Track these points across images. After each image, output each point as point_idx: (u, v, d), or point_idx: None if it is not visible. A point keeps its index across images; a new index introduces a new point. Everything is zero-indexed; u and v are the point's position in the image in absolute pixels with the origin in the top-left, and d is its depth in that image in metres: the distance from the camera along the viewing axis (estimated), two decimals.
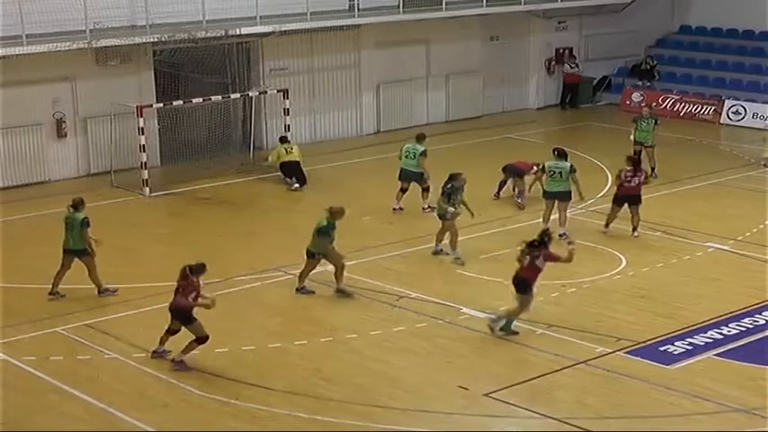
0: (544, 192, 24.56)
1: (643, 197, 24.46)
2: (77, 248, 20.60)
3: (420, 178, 26.22)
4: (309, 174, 29.46)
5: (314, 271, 21.14)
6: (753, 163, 31.60)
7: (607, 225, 24.48)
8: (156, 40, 29.81)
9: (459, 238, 22.75)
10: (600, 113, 39.94)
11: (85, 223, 20.54)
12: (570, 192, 24.29)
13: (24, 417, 15.97)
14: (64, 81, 29.69)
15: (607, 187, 28.28)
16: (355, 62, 35.47)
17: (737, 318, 19.50)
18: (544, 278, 21.61)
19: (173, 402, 16.38)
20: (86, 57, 29.24)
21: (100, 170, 30.14)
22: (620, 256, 22.94)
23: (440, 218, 22.76)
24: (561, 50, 41.06)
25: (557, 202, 24.25)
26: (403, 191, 26.44)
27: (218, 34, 30.56)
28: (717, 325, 19.18)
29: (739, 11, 41.00)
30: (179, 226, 26.32)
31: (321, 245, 20.58)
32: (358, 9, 33.95)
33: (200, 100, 30.06)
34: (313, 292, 20.78)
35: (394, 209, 26.21)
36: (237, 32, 31.10)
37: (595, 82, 41.88)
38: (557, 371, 17.44)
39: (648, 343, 18.43)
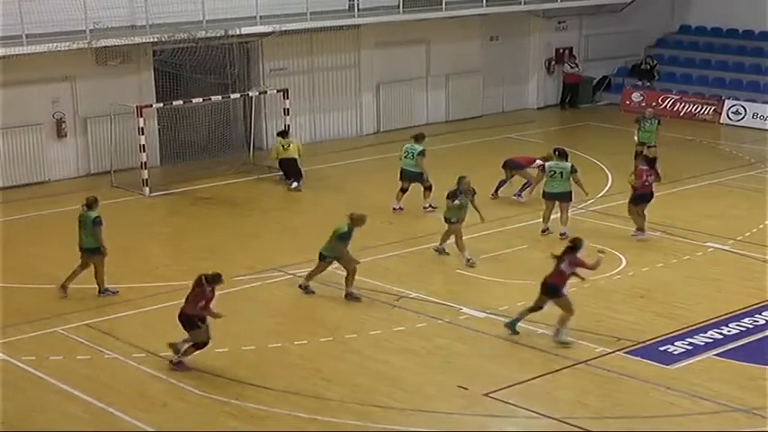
0: (544, 192, 24.51)
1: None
2: (89, 247, 20.64)
3: (419, 178, 26.22)
4: (309, 174, 29.46)
5: (328, 268, 21.20)
6: (753, 163, 31.61)
7: (641, 229, 24.25)
8: (155, 40, 29.82)
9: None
10: (600, 113, 39.95)
11: (98, 222, 20.57)
12: (571, 192, 24.28)
13: (24, 416, 15.98)
14: (64, 81, 29.69)
15: (607, 187, 28.31)
16: (355, 62, 35.47)
17: (737, 318, 19.50)
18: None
19: (172, 402, 16.38)
20: (86, 57, 29.24)
21: (100, 170, 30.14)
22: (620, 256, 22.92)
23: (445, 221, 22.68)
24: (561, 50, 41.07)
25: (558, 202, 24.23)
26: (403, 191, 26.43)
27: (218, 34, 30.55)
28: (717, 325, 19.18)
29: (739, 11, 41.01)
30: (179, 226, 26.31)
31: (336, 249, 20.44)
32: (358, 9, 33.95)
33: (200, 100, 30.06)
34: (313, 293, 20.77)
35: (394, 209, 26.20)
36: (237, 32, 31.11)
37: (595, 82, 41.89)
38: (556, 371, 17.44)
39: (648, 343, 18.43)
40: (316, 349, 18.31)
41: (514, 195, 27.04)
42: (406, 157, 26.38)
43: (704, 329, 18.96)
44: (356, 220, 20.61)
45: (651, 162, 24.83)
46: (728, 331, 18.91)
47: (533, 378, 17.21)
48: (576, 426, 15.60)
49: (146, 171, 28.22)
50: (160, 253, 24.01)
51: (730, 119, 37.78)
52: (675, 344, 18.36)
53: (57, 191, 28.80)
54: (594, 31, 41.67)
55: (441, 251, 23.00)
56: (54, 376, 17.19)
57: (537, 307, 18.56)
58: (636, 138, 29.44)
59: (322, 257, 20.64)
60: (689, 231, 24.44)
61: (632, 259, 22.78)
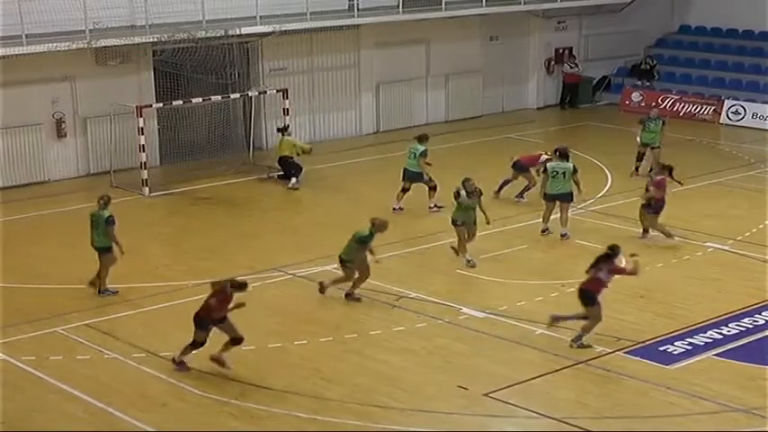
0: (545, 193, 24.43)
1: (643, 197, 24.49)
2: (100, 246, 20.70)
3: (420, 178, 26.22)
4: (309, 174, 29.51)
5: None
6: (753, 163, 31.62)
7: (645, 232, 24.15)
8: (155, 40, 29.81)
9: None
10: (599, 113, 39.96)
11: (110, 221, 20.63)
12: (572, 193, 24.26)
13: (24, 416, 15.98)
14: (63, 81, 29.69)
15: (607, 187, 28.31)
16: (355, 62, 35.47)
17: (737, 318, 19.50)
18: (545, 278, 21.74)
19: (172, 402, 16.38)
20: (86, 57, 29.24)
21: (99, 170, 30.14)
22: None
23: (452, 222, 22.62)
24: (561, 50, 41.08)
25: (558, 203, 24.20)
26: (404, 191, 26.42)
27: (218, 34, 30.55)
28: (716, 325, 19.18)
29: (739, 11, 41.02)
30: (179, 226, 26.31)
31: (354, 253, 20.29)
32: (357, 9, 33.96)
33: (200, 100, 30.06)
34: (322, 294, 20.65)
35: (393, 209, 26.16)
36: (237, 32, 31.10)
37: (595, 82, 41.90)
38: (556, 371, 17.44)
39: (648, 343, 18.43)
40: (316, 349, 18.31)
41: (516, 197, 27.00)
42: (408, 157, 26.40)
43: (704, 329, 18.97)
44: (378, 226, 20.42)
45: (670, 171, 24.48)
46: (728, 331, 18.92)
47: (533, 378, 17.21)
48: (575, 426, 15.60)
49: (145, 171, 28.22)
50: (160, 253, 24.01)
51: (730, 119, 37.79)
52: (675, 344, 18.36)
53: (56, 191, 28.81)
54: (594, 31, 41.67)
55: (469, 261, 22.48)
56: (54, 376, 17.19)
57: (583, 316, 18.30)
58: (638, 138, 29.41)
59: (342, 261, 20.46)
60: (689, 231, 24.44)
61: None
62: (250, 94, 31.73)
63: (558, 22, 40.76)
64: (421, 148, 26.26)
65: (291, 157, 29.14)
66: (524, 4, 38.01)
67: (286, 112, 30.87)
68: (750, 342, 18.54)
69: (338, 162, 32.04)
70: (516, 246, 23.66)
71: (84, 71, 29.74)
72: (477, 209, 22.59)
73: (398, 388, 16.83)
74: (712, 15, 42.39)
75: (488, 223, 22.84)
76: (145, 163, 28.34)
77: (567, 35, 41.20)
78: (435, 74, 37.55)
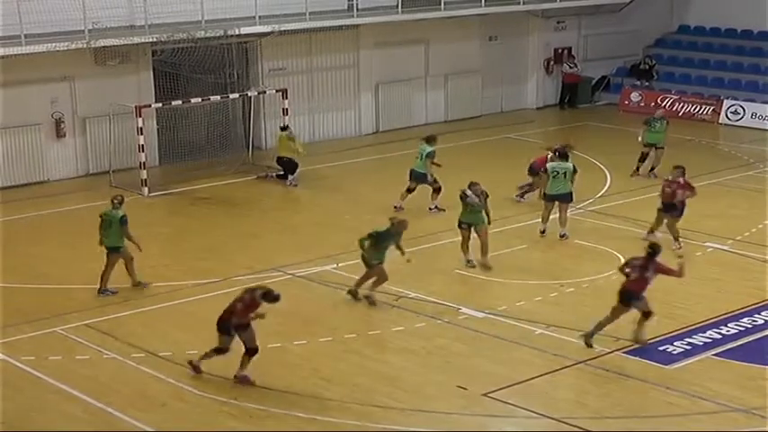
0: (544, 194, 24.40)
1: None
2: (112, 245, 20.74)
3: (424, 179, 26.18)
4: (308, 173, 29.54)
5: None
6: (752, 163, 31.62)
7: (651, 232, 23.66)
8: (154, 40, 29.81)
9: (459, 239, 22.70)
10: (599, 113, 39.97)
11: (124, 221, 20.68)
12: (571, 193, 24.23)
13: (23, 416, 15.97)
14: (63, 81, 29.69)
15: (606, 187, 28.29)
16: (354, 62, 35.47)
17: (736, 318, 19.51)
18: (544, 278, 21.74)
19: (171, 402, 16.38)
20: (85, 57, 29.24)
21: (99, 170, 30.14)
22: (619, 255, 22.89)
23: (458, 226, 22.53)
24: (560, 50, 41.09)
25: (557, 203, 24.17)
26: (408, 190, 26.35)
27: (217, 34, 30.54)
28: (716, 325, 19.19)
29: (738, 11, 41.03)
30: (178, 226, 26.31)
31: (377, 255, 20.08)
32: (357, 9, 33.96)
33: (199, 100, 30.07)
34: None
35: (395, 207, 26.08)
36: (236, 32, 31.09)
37: (594, 82, 41.91)
38: (556, 371, 17.44)
39: (648, 343, 18.41)
40: (315, 349, 18.31)
41: (516, 196, 26.94)
42: (417, 158, 26.37)
43: (703, 329, 18.97)
44: (397, 225, 20.26)
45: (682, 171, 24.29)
46: (727, 331, 18.93)
47: (532, 378, 17.21)
48: (575, 425, 15.60)
49: (145, 171, 28.22)
50: (159, 253, 23.98)
51: (729, 119, 37.80)
52: (674, 344, 18.36)
53: (56, 191, 28.82)
54: (593, 31, 41.68)
55: (482, 265, 22.24)
56: (53, 376, 17.18)
57: (613, 319, 18.14)
58: (640, 138, 29.34)
59: (369, 265, 20.23)
60: (688, 231, 24.36)
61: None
62: (249, 94, 31.73)
63: (558, 22, 40.77)
64: (428, 149, 26.22)
65: (289, 158, 29.17)
66: (523, 4, 38.01)
67: (285, 111, 30.87)
68: (749, 342, 18.55)
69: (337, 162, 32.04)
70: (515, 246, 23.65)
71: (84, 71, 29.74)
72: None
73: (398, 388, 16.83)
74: (711, 15, 42.41)
75: (489, 223, 22.74)
76: (144, 163, 28.35)
77: (566, 35, 41.21)
78: (434, 74, 37.55)
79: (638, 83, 40.97)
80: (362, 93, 35.79)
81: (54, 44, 27.83)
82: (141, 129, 28.18)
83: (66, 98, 29.91)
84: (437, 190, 26.22)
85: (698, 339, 18.55)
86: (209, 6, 30.56)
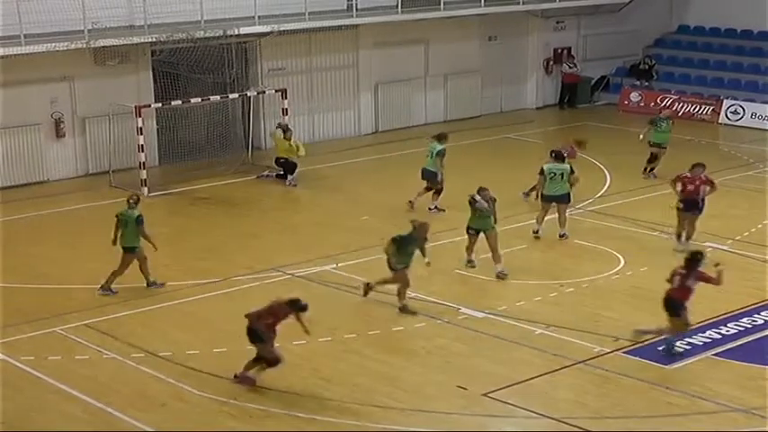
0: (542, 195, 24.36)
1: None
2: (127, 245, 20.77)
3: (435, 177, 26.15)
4: (307, 173, 29.57)
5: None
6: (752, 163, 31.62)
7: (679, 237, 23.46)
8: (154, 40, 29.82)
9: (459, 239, 22.70)
10: (598, 113, 39.97)
11: (140, 220, 20.69)
12: (569, 194, 24.22)
13: (23, 416, 15.96)
14: (62, 81, 29.69)
15: (606, 187, 28.28)
16: (353, 62, 35.47)
17: (736, 318, 19.51)
18: (543, 278, 21.74)
19: (171, 402, 16.37)
20: (85, 57, 29.23)
21: (98, 170, 30.14)
22: (619, 255, 22.94)
23: (466, 231, 22.42)
24: (559, 50, 41.10)
25: (556, 204, 24.14)
26: (428, 189, 26.31)
27: (217, 34, 30.55)
28: (715, 325, 19.18)
29: (738, 11, 41.03)
30: (178, 226, 26.28)
31: (397, 256, 19.86)
32: (356, 9, 33.97)
33: (199, 100, 30.07)
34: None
35: (429, 208, 26.00)
36: (236, 32, 31.10)
37: (594, 82, 41.92)
38: (555, 371, 17.44)
39: (647, 343, 18.40)
40: (315, 349, 18.29)
41: (524, 194, 26.81)
42: (427, 156, 26.34)
43: (703, 329, 18.94)
44: (418, 229, 20.02)
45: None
46: (727, 331, 18.93)
47: (532, 378, 17.21)
48: (574, 425, 15.60)
49: (144, 171, 28.22)
50: (159, 253, 23.90)
51: (729, 119, 37.81)
52: (674, 344, 18.32)
53: (55, 191, 28.82)
54: (593, 31, 41.69)
55: (498, 274, 21.88)
56: (53, 376, 17.18)
57: (688, 324, 17.94)
58: (642, 137, 29.25)
59: (390, 266, 19.99)
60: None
61: (630, 259, 22.78)
62: (249, 94, 31.73)
63: (557, 22, 40.78)
64: (439, 147, 26.20)
65: (286, 158, 29.21)
66: (523, 4, 38.03)
67: (285, 111, 30.87)
68: (749, 342, 18.54)
69: (337, 162, 32.04)
70: (515, 246, 23.63)
71: (83, 71, 29.74)
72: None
73: (398, 388, 16.83)
74: (711, 15, 42.41)
75: (495, 223, 22.55)
76: (144, 163, 28.35)
77: (565, 35, 41.22)
78: (434, 74, 37.56)
79: (638, 83, 40.97)
80: (362, 93, 35.79)
81: (53, 44, 27.83)
82: (141, 129, 28.18)
83: (66, 98, 29.91)
84: (438, 191, 26.21)
85: (697, 339, 18.54)
86: (209, 6, 30.56)
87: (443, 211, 25.80)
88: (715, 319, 19.39)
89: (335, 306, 20.37)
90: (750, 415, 15.89)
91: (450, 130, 35.32)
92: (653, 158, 29.41)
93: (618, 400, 16.49)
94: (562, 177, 23.98)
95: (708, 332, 18.83)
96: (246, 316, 16.83)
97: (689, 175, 23.49)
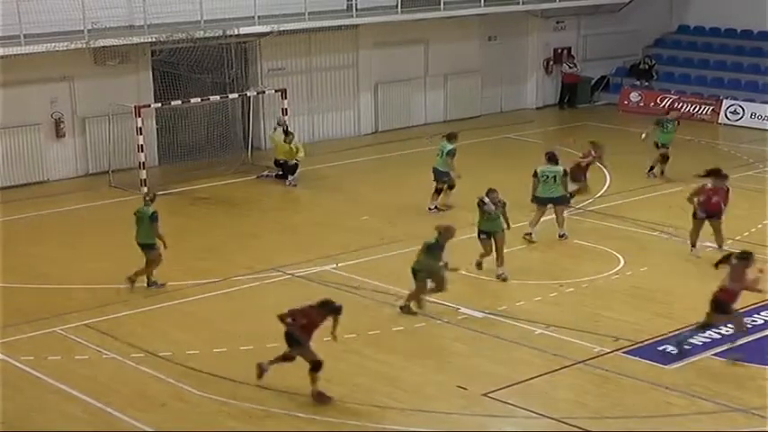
0: (536, 197, 24.11)
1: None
2: (144, 242, 20.89)
3: (445, 177, 26.12)
4: (307, 173, 29.61)
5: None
6: (752, 162, 31.61)
7: (694, 245, 23.14)
8: (154, 40, 29.83)
9: (457, 240, 22.62)
10: (598, 113, 39.96)
11: (154, 218, 20.79)
12: (565, 195, 24.15)
13: (23, 416, 15.96)
14: (62, 81, 29.70)
15: (605, 187, 28.26)
16: (353, 62, 35.47)
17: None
18: (543, 278, 21.74)
19: (171, 402, 16.37)
20: (84, 57, 29.24)
21: (98, 170, 30.14)
22: (618, 255, 22.94)
23: (477, 236, 22.29)
24: (559, 50, 41.09)
25: (552, 206, 24.03)
26: (437, 191, 26.27)
27: (216, 34, 30.56)
28: (715, 324, 19.12)
29: (737, 11, 41.02)
30: (177, 226, 26.20)
31: (426, 263, 19.67)
32: (356, 9, 33.98)
33: (199, 100, 30.08)
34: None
35: (429, 208, 26.05)
36: (235, 32, 31.11)
37: (594, 82, 41.91)
38: (555, 371, 17.44)
39: (647, 343, 18.43)
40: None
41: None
42: (437, 155, 26.31)
43: (702, 329, 18.91)
44: (444, 232, 19.80)
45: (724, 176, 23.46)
46: (726, 331, 18.88)
47: (532, 378, 17.21)
48: (574, 425, 15.60)
49: (144, 171, 28.25)
50: None
51: (728, 119, 37.81)
52: (688, 339, 18.29)
53: (55, 191, 28.82)
54: (593, 30, 41.68)
55: (498, 276, 21.74)
56: (52, 376, 17.18)
57: (707, 324, 17.90)
58: (644, 136, 29.15)
59: (414, 273, 19.78)
60: (687, 231, 24.36)
61: (630, 259, 22.78)
62: (248, 94, 31.74)
63: (557, 22, 40.78)
64: (449, 146, 26.18)
65: (285, 160, 29.23)
66: (523, 4, 38.03)
67: (285, 112, 30.87)
68: (749, 342, 18.51)
69: (337, 162, 32.04)
70: (515, 246, 23.61)
71: (83, 71, 29.74)
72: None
73: (398, 388, 16.83)
74: (711, 15, 42.40)
75: (508, 228, 22.39)
76: (143, 163, 28.37)
77: (565, 35, 41.22)
78: (434, 74, 37.55)
79: (638, 83, 40.97)
80: (362, 93, 35.79)
81: (53, 44, 27.86)
82: (140, 129, 28.20)
83: (66, 98, 29.92)
84: (439, 191, 26.19)
85: (697, 339, 18.51)
86: (209, 6, 30.57)
87: (443, 210, 25.80)
88: None
89: None
90: (750, 415, 15.89)
91: (449, 130, 35.55)
92: (664, 159, 29.27)
93: (618, 399, 16.49)
94: (555, 180, 23.86)
95: (707, 332, 18.79)
96: (279, 317, 16.58)
97: (711, 185, 22.96)
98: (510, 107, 39.99)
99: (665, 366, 17.55)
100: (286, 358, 16.64)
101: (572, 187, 25.48)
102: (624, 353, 18.05)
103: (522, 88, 40.58)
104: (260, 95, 32.19)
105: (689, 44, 42.85)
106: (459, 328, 19.25)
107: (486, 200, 21.53)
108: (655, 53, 42.49)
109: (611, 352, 18.06)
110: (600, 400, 16.45)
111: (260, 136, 33.18)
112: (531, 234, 23.94)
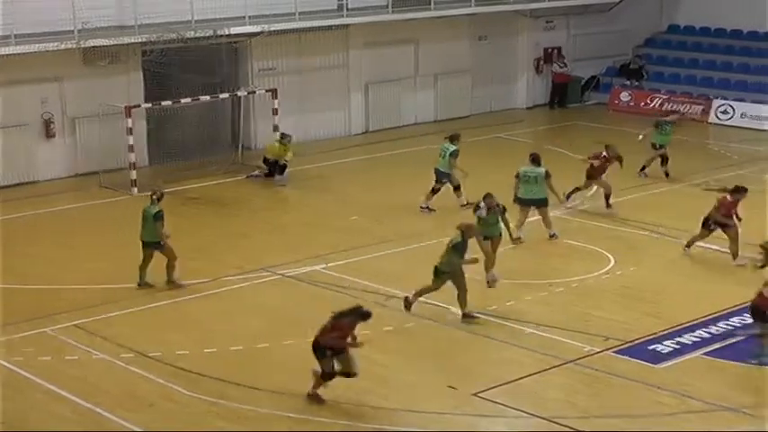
0: (517, 198, 23.99)
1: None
2: (151, 241, 20.90)
3: (446, 178, 26.09)
4: (297, 173, 29.65)
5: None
6: (741, 162, 31.65)
7: (689, 245, 23.16)
8: (144, 40, 29.77)
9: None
10: (588, 113, 39.99)
11: (159, 217, 20.75)
12: (546, 198, 24.04)
13: (12, 417, 15.90)
14: (52, 81, 29.62)
15: (595, 186, 28.24)
16: (344, 62, 35.46)
17: (725, 317, 19.50)
18: (534, 278, 21.75)
19: (160, 402, 16.35)
20: (75, 57, 29.18)
21: (88, 170, 30.05)
22: (609, 255, 22.96)
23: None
24: (550, 50, 41.11)
25: (534, 209, 24.01)
26: (434, 191, 26.19)
27: (207, 34, 30.53)
28: (705, 324, 19.19)
29: (727, 11, 41.09)
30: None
31: (451, 263, 19.39)
32: (346, 9, 33.97)
33: (189, 100, 30.01)
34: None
35: (421, 207, 26.07)
36: (226, 32, 31.08)
37: (584, 81, 41.93)
38: (545, 370, 17.45)
39: (637, 342, 18.45)
40: (305, 349, 18.20)
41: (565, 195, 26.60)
42: (440, 156, 26.27)
43: (692, 328, 18.97)
44: (466, 230, 19.52)
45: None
46: (717, 330, 18.94)
47: (522, 378, 17.21)
48: (564, 425, 15.61)
49: (134, 171, 28.19)
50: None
51: (718, 118, 37.87)
52: (664, 343, 18.38)
53: (45, 191, 28.74)
54: (583, 30, 41.71)
55: (487, 281, 21.36)
56: (42, 377, 17.14)
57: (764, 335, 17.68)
58: (641, 137, 29.17)
59: (438, 273, 19.50)
60: (678, 231, 24.42)
61: (621, 259, 22.81)
62: (239, 94, 31.70)
63: (547, 22, 40.79)
64: (452, 147, 26.13)
65: (275, 160, 29.23)
66: (512, 3, 38.05)
67: (275, 112, 30.85)
68: (738, 341, 18.54)
69: (327, 162, 32.01)
70: (505, 246, 23.60)
71: (73, 71, 29.67)
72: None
73: (388, 388, 16.83)
74: (701, 15, 42.47)
75: (510, 237, 22.18)
76: (134, 163, 28.33)
77: (555, 35, 41.23)
78: (424, 74, 37.55)
79: (628, 82, 41.02)
80: (352, 93, 35.78)
81: (43, 44, 27.81)
82: (131, 129, 28.13)
83: (56, 98, 29.85)
84: (434, 191, 26.15)
85: (687, 339, 18.57)
86: (199, 6, 30.51)
87: (434, 210, 25.81)
88: (705, 319, 19.40)
89: (325, 306, 20.22)
90: (739, 414, 15.92)
91: (440, 130, 35.55)
92: (664, 161, 29.27)
93: (608, 399, 16.52)
94: (536, 181, 23.80)
95: (698, 331, 18.86)
96: (316, 341, 16.33)
97: (730, 198, 22.79)
98: (500, 107, 39.98)
99: (655, 366, 17.57)
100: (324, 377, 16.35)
101: (589, 186, 26.28)
102: (614, 352, 18.07)
103: (513, 88, 40.60)
104: (251, 95, 32.16)
105: (679, 44, 42.91)
106: (449, 327, 19.25)
107: (482, 204, 21.38)
108: (645, 53, 42.56)
109: (601, 351, 18.08)
110: (590, 400, 16.46)
111: (250, 136, 33.16)
112: (519, 238, 23.69)
